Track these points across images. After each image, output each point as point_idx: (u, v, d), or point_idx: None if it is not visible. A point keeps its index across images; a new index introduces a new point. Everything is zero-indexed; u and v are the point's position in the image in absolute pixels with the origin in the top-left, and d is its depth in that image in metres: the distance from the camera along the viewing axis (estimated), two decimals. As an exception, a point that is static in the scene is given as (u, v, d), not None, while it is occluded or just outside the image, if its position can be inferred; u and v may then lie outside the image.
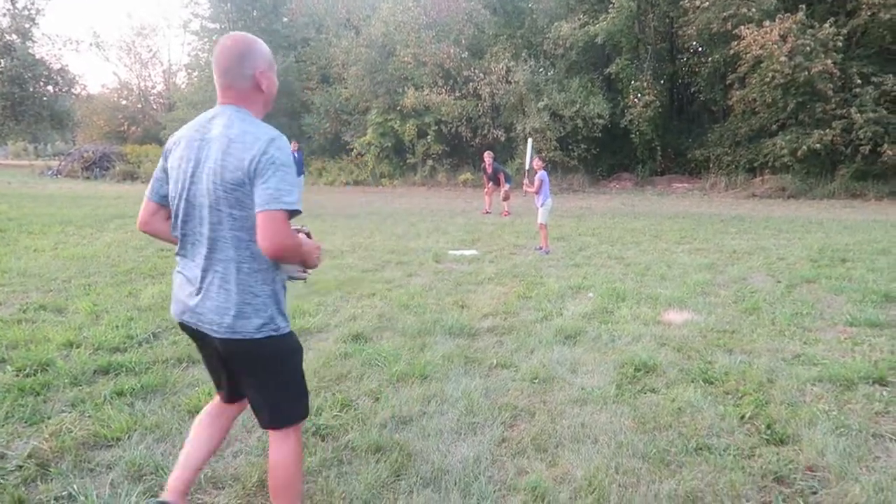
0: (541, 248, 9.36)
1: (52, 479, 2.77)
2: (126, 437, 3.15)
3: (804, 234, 11.23)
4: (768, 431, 3.26)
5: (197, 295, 2.08)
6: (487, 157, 15.84)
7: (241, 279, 2.02)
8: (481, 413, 3.51)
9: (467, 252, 9.24)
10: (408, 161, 26.24)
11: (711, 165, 23.15)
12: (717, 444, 3.12)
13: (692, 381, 4.03)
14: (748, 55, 19.69)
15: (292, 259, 2.06)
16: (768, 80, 19.51)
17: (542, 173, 9.25)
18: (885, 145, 18.80)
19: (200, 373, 4.13)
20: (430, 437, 3.21)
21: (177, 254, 2.17)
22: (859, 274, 7.44)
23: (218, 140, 1.99)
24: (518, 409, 3.57)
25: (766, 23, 19.29)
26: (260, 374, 2.15)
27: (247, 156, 1.93)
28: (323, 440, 3.18)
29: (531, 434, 3.24)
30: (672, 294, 6.49)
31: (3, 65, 38.55)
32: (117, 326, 5.09)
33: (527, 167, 10.43)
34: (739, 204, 18.78)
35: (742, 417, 3.44)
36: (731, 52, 20.51)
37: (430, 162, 25.61)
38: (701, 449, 3.08)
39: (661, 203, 19.03)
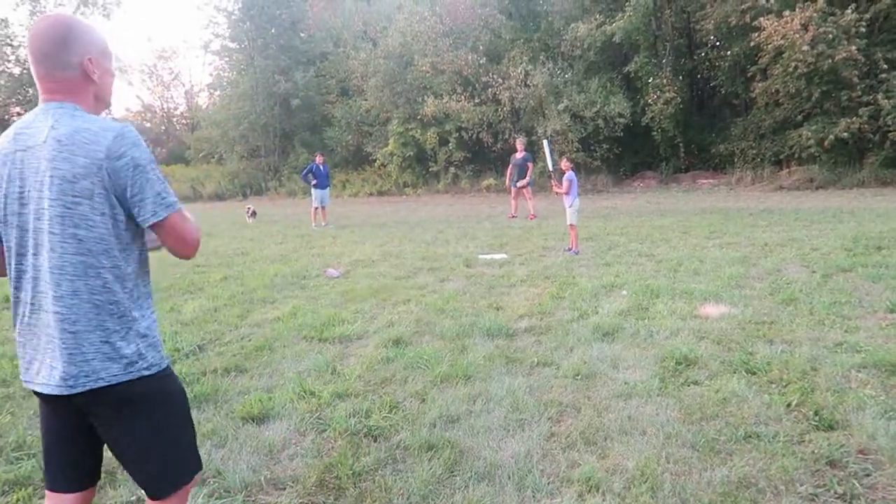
0: (570, 249, 9.38)
1: (119, 486, 2.88)
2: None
3: (836, 224, 11.08)
4: (816, 418, 3.27)
5: (37, 342, 1.71)
6: (520, 143, 15.86)
7: (93, 314, 1.66)
8: (527, 410, 3.56)
9: (497, 256, 9.29)
10: (430, 169, 26.38)
11: (736, 159, 22.91)
12: (765, 432, 3.14)
13: (734, 372, 4.04)
14: (769, 46, 19.48)
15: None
16: (791, 70, 19.29)
17: (570, 174, 9.27)
18: (915, 131, 18.50)
19: (249, 381, 4.25)
20: (479, 434, 3.28)
21: (12, 293, 1.75)
22: (896, 261, 7.35)
23: (44, 147, 1.62)
24: (563, 405, 3.62)
25: (786, 12, 19.08)
26: (137, 425, 1.75)
27: (88, 160, 1.60)
28: (375, 441, 3.26)
29: (579, 428, 3.28)
30: (706, 288, 6.47)
31: (31, 94, 39.68)
32: (164, 340, 5.23)
33: (550, 168, 10.43)
34: (767, 197, 18.57)
35: (788, 405, 3.45)
36: (752, 44, 20.32)
37: (452, 169, 25.72)
38: (750, 437, 3.10)
39: (687, 199, 18.90)
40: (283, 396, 3.86)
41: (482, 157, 26.29)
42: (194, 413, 3.67)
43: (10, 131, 1.72)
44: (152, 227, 1.72)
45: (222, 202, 29.89)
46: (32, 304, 1.69)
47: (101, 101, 1.83)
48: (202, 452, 3.12)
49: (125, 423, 1.73)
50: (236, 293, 7.25)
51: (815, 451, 2.91)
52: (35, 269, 1.67)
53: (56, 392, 1.67)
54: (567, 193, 9.26)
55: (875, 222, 11.06)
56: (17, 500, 2.79)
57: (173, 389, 1.85)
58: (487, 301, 6.41)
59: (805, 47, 18.50)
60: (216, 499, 2.77)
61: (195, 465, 1.90)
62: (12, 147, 1.68)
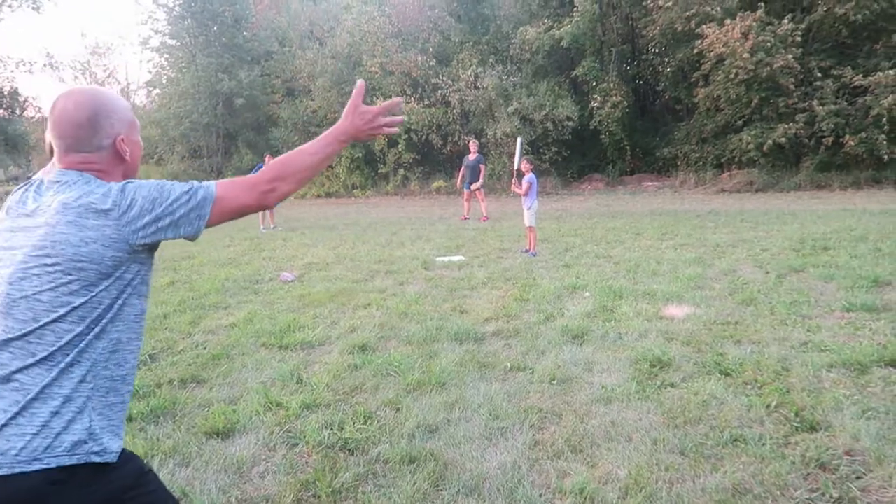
0: (528, 251, 9.34)
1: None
2: (145, 462, 3.00)
3: (781, 226, 11.41)
4: (797, 419, 3.25)
5: None
6: (473, 145, 15.77)
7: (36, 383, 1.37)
8: (507, 417, 3.45)
9: (454, 258, 9.18)
10: (379, 171, 26.10)
11: (679, 163, 23.47)
12: (750, 435, 3.10)
13: (709, 374, 4.03)
14: (711, 53, 20.04)
15: (302, 174, 1.61)
16: (732, 76, 19.87)
17: (530, 175, 9.25)
18: (847, 136, 19.26)
19: (209, 392, 3.99)
20: (460, 444, 3.14)
21: None
22: (844, 261, 7.55)
23: (50, 209, 1.44)
24: (543, 412, 3.52)
25: (728, 21, 19.68)
26: None
27: (101, 220, 1.42)
28: (352, 454, 3.08)
29: (563, 436, 3.18)
30: (668, 289, 6.51)
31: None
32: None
33: (515, 167, 10.35)
34: (710, 199, 19.07)
35: (768, 406, 3.43)
36: (695, 50, 20.87)
37: (401, 171, 25.50)
38: (736, 440, 3.06)
39: (635, 202, 19.23)
40: (248, 409, 3.63)
41: (431, 159, 26.17)
42: (152, 430, 3.41)
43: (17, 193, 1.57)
44: (212, 224, 1.55)
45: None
46: None
47: (129, 175, 1.64)
48: (164, 472, 2.89)
49: None
50: (186, 298, 6.91)
51: (804, 454, 2.88)
52: None
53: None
54: (526, 195, 9.22)
55: (817, 223, 11.43)
56: None
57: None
58: (451, 304, 6.28)
59: (745, 55, 19.08)
60: (183, 524, 2.54)
61: None
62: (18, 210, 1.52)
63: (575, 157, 25.11)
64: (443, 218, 16.09)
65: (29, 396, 1.35)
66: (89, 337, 1.41)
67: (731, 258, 8.26)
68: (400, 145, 24.89)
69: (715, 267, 7.71)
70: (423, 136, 24.81)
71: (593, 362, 4.34)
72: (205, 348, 5.01)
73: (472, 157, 15.37)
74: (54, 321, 1.38)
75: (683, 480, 2.71)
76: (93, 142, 1.52)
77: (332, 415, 3.51)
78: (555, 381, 3.98)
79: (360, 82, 1.70)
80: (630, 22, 25.63)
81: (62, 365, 1.38)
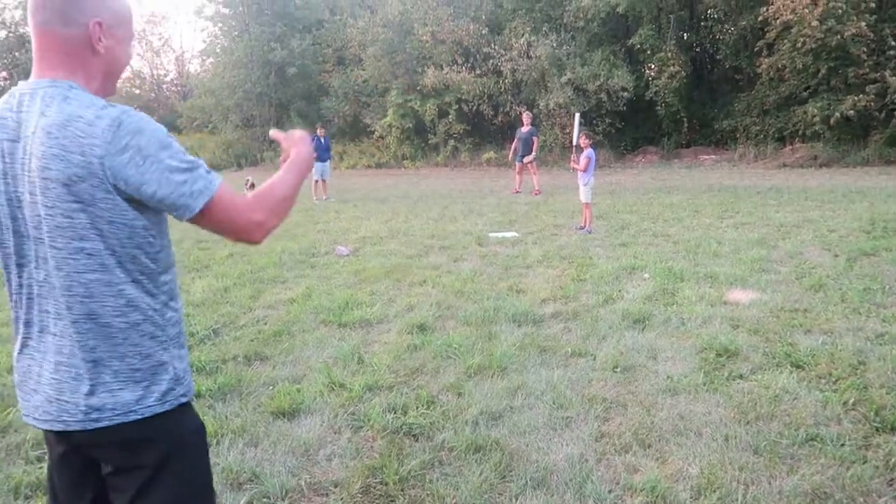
0: (583, 228, 9.19)
1: (150, 489, 2.70)
2: (215, 442, 3.07)
3: (849, 204, 10.93)
4: (877, 419, 3.12)
5: (42, 370, 1.41)
6: (526, 116, 15.51)
7: (117, 338, 1.37)
8: (571, 407, 3.40)
9: (508, 234, 9.09)
10: (429, 142, 25.96)
11: (739, 136, 22.64)
12: (827, 434, 2.99)
13: (779, 366, 3.89)
14: (777, 20, 19.13)
15: (286, 207, 1.52)
16: (799, 45, 18.95)
17: (589, 151, 9.03)
18: (921, 108, 18.31)
19: (273, 370, 4.06)
20: (525, 433, 3.11)
21: (12, 311, 1.46)
22: (919, 244, 7.20)
23: (33, 140, 1.29)
24: (608, 402, 3.46)
25: (796, -14, 18.74)
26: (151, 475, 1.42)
27: (84, 158, 1.26)
28: (416, 440, 3.09)
29: (630, 428, 3.12)
30: (731, 272, 6.31)
31: (17, 58, 38.77)
32: (177, 323, 5.02)
33: (574, 142, 10.14)
34: (771, 174, 18.39)
35: (845, 404, 3.30)
36: (759, 17, 19.95)
37: (451, 142, 25.31)
38: (812, 440, 2.95)
39: (691, 176, 18.69)
40: (312, 389, 3.67)
41: (482, 130, 25.91)
42: (220, 407, 3.49)
43: None
44: (193, 221, 1.39)
45: (217, 172, 29.38)
46: (39, 325, 1.40)
47: (110, 79, 1.47)
48: (234, 452, 2.95)
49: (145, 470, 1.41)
50: (245, 272, 7.03)
51: (887, 458, 2.76)
52: (39, 285, 1.36)
53: (75, 428, 1.38)
54: (584, 171, 9.03)
55: (888, 202, 10.91)
56: (41, 505, 2.61)
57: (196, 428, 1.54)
58: (507, 283, 6.22)
59: (814, 22, 18.16)
60: (255, 506, 2.60)
61: None
62: (2, 136, 1.34)
63: (629, 128, 24.49)
64: (493, 191, 15.95)
65: None
66: None
67: (797, 239, 7.96)
68: (450, 116, 24.68)
69: (779, 248, 7.44)
70: (474, 107, 24.53)
71: (657, 349, 4.25)
72: (266, 324, 5.09)
73: (524, 129, 15.11)
74: None
75: (759, 482, 2.62)
76: (65, 11, 1.34)
77: (395, 398, 3.53)
78: (618, 369, 3.91)
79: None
80: (690, -13, 24.64)
81: None
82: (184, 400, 1.46)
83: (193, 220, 1.39)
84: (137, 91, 51.86)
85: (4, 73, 40.90)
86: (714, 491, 2.55)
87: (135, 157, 1.28)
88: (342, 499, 2.62)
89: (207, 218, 1.39)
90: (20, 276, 1.39)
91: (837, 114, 18.99)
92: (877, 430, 3.04)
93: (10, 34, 40.07)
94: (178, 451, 1.44)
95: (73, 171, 1.26)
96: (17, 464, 2.94)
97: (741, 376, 3.76)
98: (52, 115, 1.28)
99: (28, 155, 1.29)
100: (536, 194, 14.43)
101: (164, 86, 53.18)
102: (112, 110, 1.30)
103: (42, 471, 2.82)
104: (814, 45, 18.74)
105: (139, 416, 1.38)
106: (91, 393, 1.36)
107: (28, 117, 1.31)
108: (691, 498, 2.53)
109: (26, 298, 1.40)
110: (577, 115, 10.46)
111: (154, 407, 1.40)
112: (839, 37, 18.35)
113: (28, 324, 1.42)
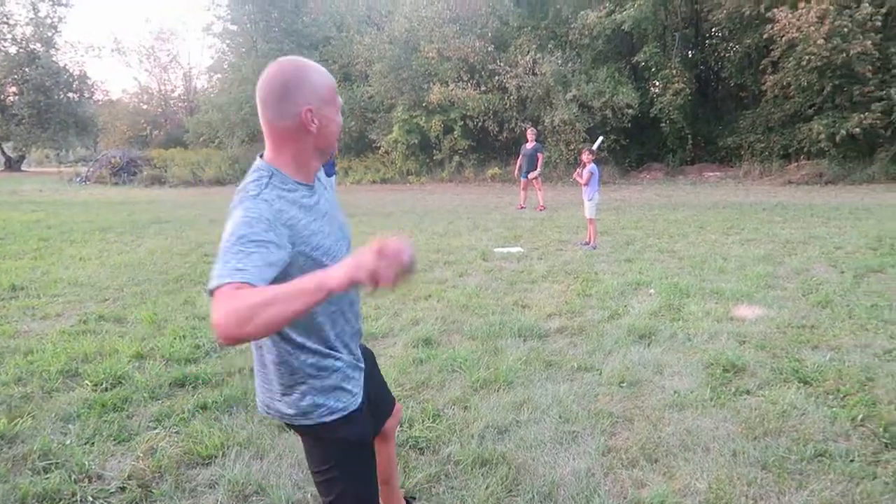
0: (587, 244, 9.19)
1: (156, 501, 2.70)
2: (221, 454, 3.07)
3: (855, 221, 10.92)
4: (886, 435, 3.10)
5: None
6: (531, 133, 15.55)
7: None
8: (577, 421, 3.39)
9: (513, 249, 9.10)
10: (434, 157, 26.06)
11: (743, 153, 22.70)
12: (835, 450, 2.97)
13: (786, 381, 3.88)
14: (783, 38, 19.23)
15: (262, 320, 1.22)
16: (804, 63, 19.03)
17: (592, 166, 9.05)
18: (927, 126, 18.34)
19: (279, 383, 4.05)
20: (531, 448, 3.10)
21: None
22: (927, 262, 7.18)
23: None
24: (615, 416, 3.44)
25: (802, 4, 18.83)
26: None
27: None
28: (422, 454, 3.08)
29: (637, 443, 3.11)
30: (736, 288, 6.30)
31: (27, 73, 39.23)
32: (183, 336, 5.03)
33: (595, 147, 10.20)
34: (777, 191, 18.39)
35: (853, 420, 3.28)
36: (765, 35, 20.06)
37: (456, 158, 25.42)
38: (821, 455, 2.93)
39: (696, 193, 18.71)
40: (318, 401, 3.66)
41: (487, 146, 26.02)
42: (226, 420, 3.49)
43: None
44: None
45: (223, 187, 29.55)
46: None
47: (323, 151, 1.72)
48: (240, 464, 2.95)
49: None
50: (251, 285, 7.03)
51: (897, 475, 2.74)
52: None
53: None
54: (587, 184, 9.05)
55: (894, 220, 10.89)
56: (47, 515, 2.61)
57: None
58: (512, 298, 6.22)
59: (820, 40, 18.25)
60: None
61: None
62: None
63: (633, 145, 24.59)
64: (498, 207, 15.98)
65: None
66: None
67: (803, 256, 7.95)
68: (456, 132, 24.81)
69: (786, 265, 7.43)
70: (479, 123, 24.66)
71: (663, 364, 4.24)
72: (272, 337, 5.09)
73: (529, 145, 15.18)
74: None
75: (768, 497, 2.61)
76: (280, 108, 1.59)
77: (401, 411, 3.51)
78: (624, 384, 3.90)
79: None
80: (694, 5, 24.83)
81: None
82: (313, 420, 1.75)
83: None
84: (145, 106, 52.34)
85: (14, 89, 41.34)
86: (722, 506, 2.53)
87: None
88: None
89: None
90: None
91: (843, 131, 19.05)
92: (886, 446, 3.02)
93: (21, 50, 40.55)
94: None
95: None
96: (24, 474, 2.93)
97: (748, 392, 3.74)
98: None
99: None
100: (541, 210, 14.45)
101: (172, 101, 53.62)
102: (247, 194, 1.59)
103: (48, 481, 2.82)
104: (819, 63, 18.83)
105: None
106: None
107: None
108: (699, 513, 2.51)
109: None
110: (601, 138, 10.71)
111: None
112: (844, 55, 18.44)
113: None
